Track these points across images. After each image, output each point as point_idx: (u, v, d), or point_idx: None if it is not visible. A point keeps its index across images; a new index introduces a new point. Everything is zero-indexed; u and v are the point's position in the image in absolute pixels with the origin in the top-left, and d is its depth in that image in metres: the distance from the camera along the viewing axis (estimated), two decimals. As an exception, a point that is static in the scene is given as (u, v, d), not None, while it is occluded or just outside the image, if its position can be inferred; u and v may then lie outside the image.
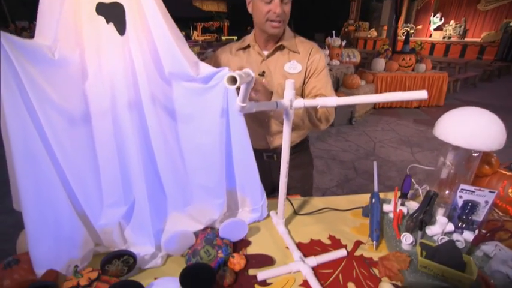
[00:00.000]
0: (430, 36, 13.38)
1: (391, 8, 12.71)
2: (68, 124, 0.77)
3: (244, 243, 0.95)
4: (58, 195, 0.76)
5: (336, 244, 0.96)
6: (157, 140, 0.83)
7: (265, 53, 1.18)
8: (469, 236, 0.91)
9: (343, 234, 1.00)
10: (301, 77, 1.16)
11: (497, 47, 10.46)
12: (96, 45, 0.76)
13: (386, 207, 1.05)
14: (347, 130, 4.56)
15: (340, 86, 5.06)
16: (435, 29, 13.23)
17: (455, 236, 0.91)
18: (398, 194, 1.07)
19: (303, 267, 0.83)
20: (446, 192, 1.04)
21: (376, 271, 0.85)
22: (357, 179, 3.14)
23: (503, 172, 1.07)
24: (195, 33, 16.13)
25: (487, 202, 0.89)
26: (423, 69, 5.47)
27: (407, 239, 0.89)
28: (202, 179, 0.91)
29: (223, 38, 15.61)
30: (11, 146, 0.69)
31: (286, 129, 0.84)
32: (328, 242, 0.97)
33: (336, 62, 5.24)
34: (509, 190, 1.02)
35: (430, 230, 0.93)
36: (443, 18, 12.95)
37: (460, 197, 0.92)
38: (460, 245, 0.89)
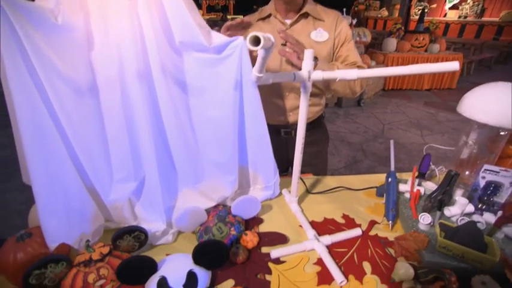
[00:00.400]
0: (445, 15, 12.80)
1: (404, -15, 12.13)
2: (74, 95, 0.74)
3: (256, 221, 0.93)
4: (66, 169, 0.74)
5: (350, 223, 0.94)
6: (168, 112, 0.79)
7: (288, 21, 1.12)
8: (489, 217, 0.88)
9: (357, 214, 0.97)
10: (328, 46, 1.11)
11: (517, 26, 9.99)
12: (102, 9, 0.71)
13: (402, 187, 1.02)
14: (355, 112, 4.47)
15: (349, 67, 4.91)
16: (450, 8, 12.64)
17: (475, 218, 0.88)
18: (416, 173, 1.04)
19: (318, 245, 0.81)
20: (466, 173, 1.00)
21: (391, 251, 0.83)
22: (365, 161, 3.10)
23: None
24: (200, 11, 15.64)
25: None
26: (437, 49, 5.27)
27: (425, 219, 0.86)
28: (214, 154, 0.88)
29: (229, 17, 15.20)
30: (17, 118, 0.66)
31: (303, 102, 0.80)
32: (342, 221, 0.95)
33: (346, 41, 5.05)
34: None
35: (449, 211, 0.90)
36: (460, -4, 12.35)
37: (483, 177, 0.88)
38: (481, 226, 0.86)
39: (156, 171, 0.81)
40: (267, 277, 0.75)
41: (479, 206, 0.91)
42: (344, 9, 5.08)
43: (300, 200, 1.03)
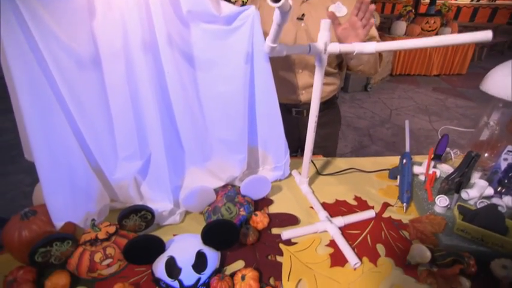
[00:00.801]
0: (457, -2, 12.35)
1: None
2: (76, 67, 0.70)
3: (265, 202, 0.91)
4: (70, 145, 0.71)
5: (362, 205, 0.91)
6: (175, 86, 0.75)
7: None
8: (509, 201, 0.84)
9: (370, 196, 0.94)
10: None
11: (534, 9, 9.60)
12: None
13: (417, 169, 0.98)
14: (362, 97, 4.39)
15: (357, 50, 4.78)
16: (463, -10, 12.17)
17: (495, 201, 0.85)
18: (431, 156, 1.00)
19: (330, 227, 0.79)
20: (486, 155, 0.96)
21: (406, 233, 0.81)
22: (372, 146, 3.05)
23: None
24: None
25: (535, 165, 0.81)
26: (448, 33, 5.09)
27: (441, 202, 0.83)
28: (222, 131, 0.84)
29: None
30: (16, 91, 0.63)
31: (318, 77, 0.75)
32: (354, 203, 0.92)
33: (353, 24, 4.90)
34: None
35: (467, 194, 0.86)
36: (474, -23, 11.84)
37: (505, 159, 0.84)
38: (501, 209, 0.82)
39: (162, 148, 0.77)
40: (278, 258, 0.73)
41: (499, 189, 0.87)
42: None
43: (310, 182, 1.00)
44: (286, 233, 0.77)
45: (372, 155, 2.89)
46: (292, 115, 1.21)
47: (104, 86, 0.74)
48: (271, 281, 0.67)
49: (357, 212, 0.86)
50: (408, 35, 5.20)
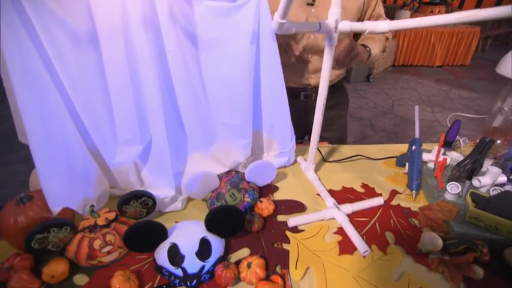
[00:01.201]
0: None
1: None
2: (72, 45, 0.66)
3: (270, 188, 0.88)
4: (66, 126, 0.67)
5: (370, 192, 0.88)
6: (177, 67, 0.71)
7: None
8: (523, 188, 0.82)
9: (377, 183, 0.92)
10: (358, 2, 0.99)
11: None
12: None
13: (426, 156, 0.95)
14: (364, 87, 4.33)
15: (359, 40, 4.71)
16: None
17: (509, 188, 0.82)
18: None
19: (338, 214, 0.76)
20: (498, 141, 0.93)
21: (415, 221, 0.78)
22: (374, 136, 3.02)
23: None
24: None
25: (551, 151, 0.78)
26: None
27: (452, 189, 0.80)
28: (226, 115, 0.80)
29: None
30: (7, 68, 0.59)
31: (327, 57, 0.71)
32: (361, 190, 0.89)
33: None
34: None
35: (478, 181, 0.84)
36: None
37: (520, 145, 0.81)
38: (514, 197, 0.79)
39: (164, 132, 0.74)
40: (285, 246, 0.70)
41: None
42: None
43: (316, 169, 0.97)
44: (293, 220, 0.74)
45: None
46: (300, 99, 1.17)
47: (102, 65, 0.70)
48: (278, 269, 0.65)
49: (365, 199, 0.84)
50: (412, 24, 5.10)
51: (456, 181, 0.84)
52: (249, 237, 0.72)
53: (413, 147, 0.92)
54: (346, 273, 0.64)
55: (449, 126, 0.97)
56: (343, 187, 0.89)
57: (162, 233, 0.67)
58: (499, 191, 0.78)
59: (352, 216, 0.78)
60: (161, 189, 0.80)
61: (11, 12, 0.57)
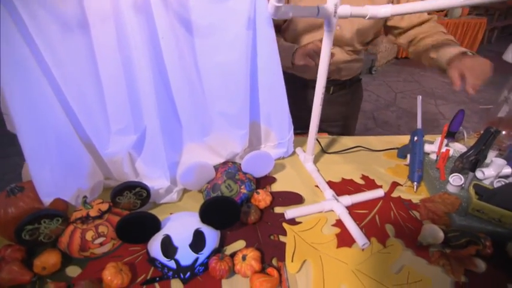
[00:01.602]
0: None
1: None
2: (61, 30, 0.63)
3: (268, 180, 0.86)
4: (56, 115, 0.65)
5: (370, 184, 0.86)
6: (171, 54, 0.68)
7: None
8: (527, 180, 0.79)
9: (378, 175, 0.89)
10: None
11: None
12: None
13: (428, 148, 0.92)
14: (367, 80, 4.27)
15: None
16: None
17: (512, 180, 0.80)
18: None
19: (337, 206, 0.74)
20: (503, 132, 0.90)
21: (416, 214, 0.76)
22: (376, 129, 2.99)
23: None
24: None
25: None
26: (458, 13, 4.90)
27: (455, 181, 0.78)
28: (222, 104, 0.78)
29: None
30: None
31: (326, 43, 0.68)
32: (361, 182, 0.87)
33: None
34: None
35: (482, 173, 0.81)
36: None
37: (526, 135, 0.78)
38: (520, 189, 0.77)
39: (157, 122, 0.72)
40: (282, 238, 0.69)
41: (516, 168, 0.81)
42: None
43: (315, 160, 0.95)
44: (290, 212, 0.73)
45: (376, 138, 2.84)
46: (310, 89, 1.12)
47: (93, 51, 0.67)
48: (274, 261, 0.63)
49: (365, 191, 0.82)
50: (416, 15, 5.01)
51: (459, 173, 0.81)
52: (244, 229, 0.70)
53: (415, 138, 0.90)
54: (345, 266, 0.62)
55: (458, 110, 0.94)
56: (343, 179, 0.87)
57: (155, 225, 0.65)
58: (503, 183, 0.76)
59: (351, 209, 0.76)
60: (156, 180, 0.78)
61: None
